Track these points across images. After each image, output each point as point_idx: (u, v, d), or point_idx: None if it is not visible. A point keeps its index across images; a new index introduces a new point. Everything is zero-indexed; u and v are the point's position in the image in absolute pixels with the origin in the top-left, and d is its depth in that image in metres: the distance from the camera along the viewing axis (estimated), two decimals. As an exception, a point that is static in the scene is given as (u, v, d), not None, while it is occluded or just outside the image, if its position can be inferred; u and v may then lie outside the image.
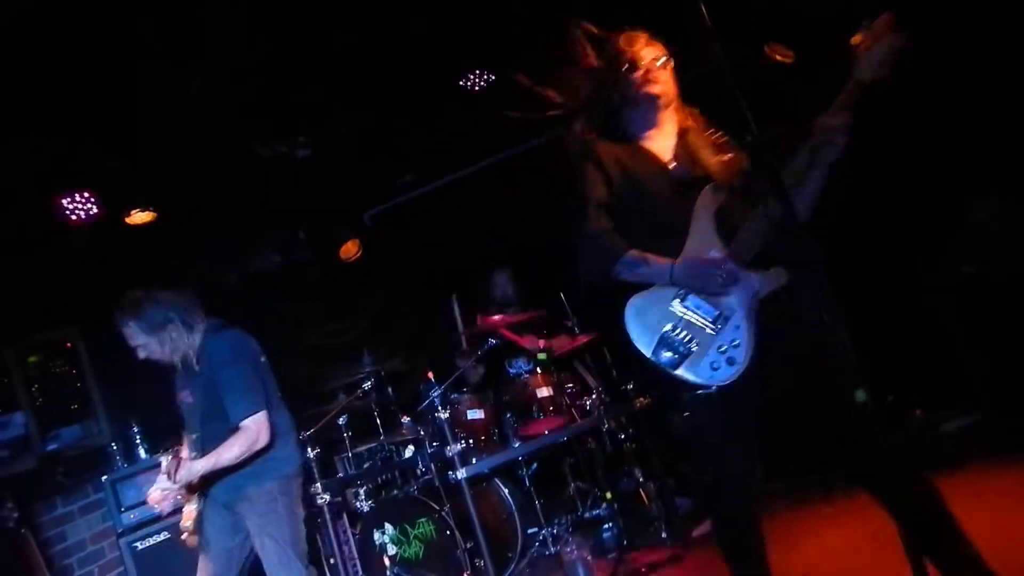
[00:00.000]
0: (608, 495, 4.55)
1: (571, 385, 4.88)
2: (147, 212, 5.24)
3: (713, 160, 2.57)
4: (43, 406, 5.17)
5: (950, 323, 4.80)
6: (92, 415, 5.31)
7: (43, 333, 5.35)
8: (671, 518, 4.54)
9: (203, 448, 3.38)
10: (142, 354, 3.49)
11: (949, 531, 2.33)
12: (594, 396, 4.73)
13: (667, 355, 2.44)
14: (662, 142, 2.66)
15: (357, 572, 4.54)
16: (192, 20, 4.31)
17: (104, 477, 4.68)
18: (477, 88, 5.56)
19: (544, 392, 4.63)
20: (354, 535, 4.46)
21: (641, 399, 4.60)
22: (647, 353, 2.46)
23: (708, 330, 2.44)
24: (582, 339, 4.91)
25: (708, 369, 2.41)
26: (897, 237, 5.01)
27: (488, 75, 5.44)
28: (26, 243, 5.15)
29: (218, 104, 5.02)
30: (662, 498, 4.62)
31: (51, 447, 5.09)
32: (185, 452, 3.46)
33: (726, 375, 2.40)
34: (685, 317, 2.46)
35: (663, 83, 2.64)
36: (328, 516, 4.36)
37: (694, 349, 2.43)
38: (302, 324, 6.13)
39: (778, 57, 4.94)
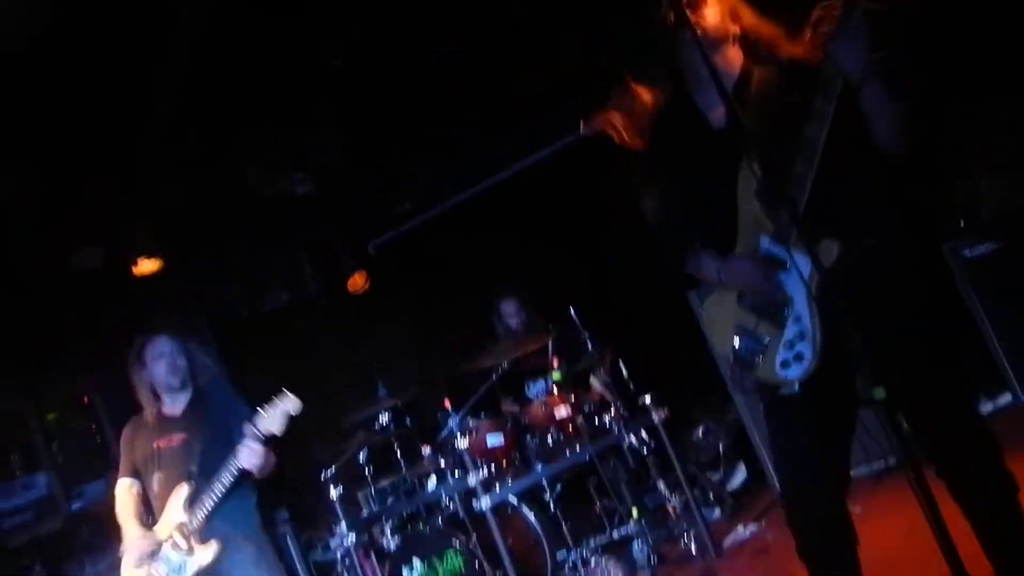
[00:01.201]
0: (635, 512, 4.51)
1: (589, 403, 4.86)
2: (153, 260, 5.26)
3: (769, 111, 2.30)
4: (65, 464, 5.17)
5: (969, 305, 4.72)
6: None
7: (59, 388, 5.36)
8: (700, 530, 4.50)
9: (208, 479, 3.40)
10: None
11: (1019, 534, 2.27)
12: (613, 412, 4.70)
13: (744, 356, 2.37)
14: (717, 105, 2.41)
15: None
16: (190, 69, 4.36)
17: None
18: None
19: (563, 412, 4.60)
20: (383, 573, 4.43)
21: (660, 410, 4.57)
22: (727, 353, 2.41)
23: (774, 326, 2.32)
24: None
25: (780, 368, 2.31)
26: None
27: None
28: (35, 295, 5.18)
29: (216, 146, 5.06)
30: (689, 510, 4.58)
31: (76, 506, 5.08)
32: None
33: (798, 372, 2.28)
34: (750, 316, 2.37)
35: (708, 17, 2.35)
36: (356, 558, 4.34)
37: (767, 347, 2.33)
38: (315, 358, 6.13)
39: None
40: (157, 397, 3.66)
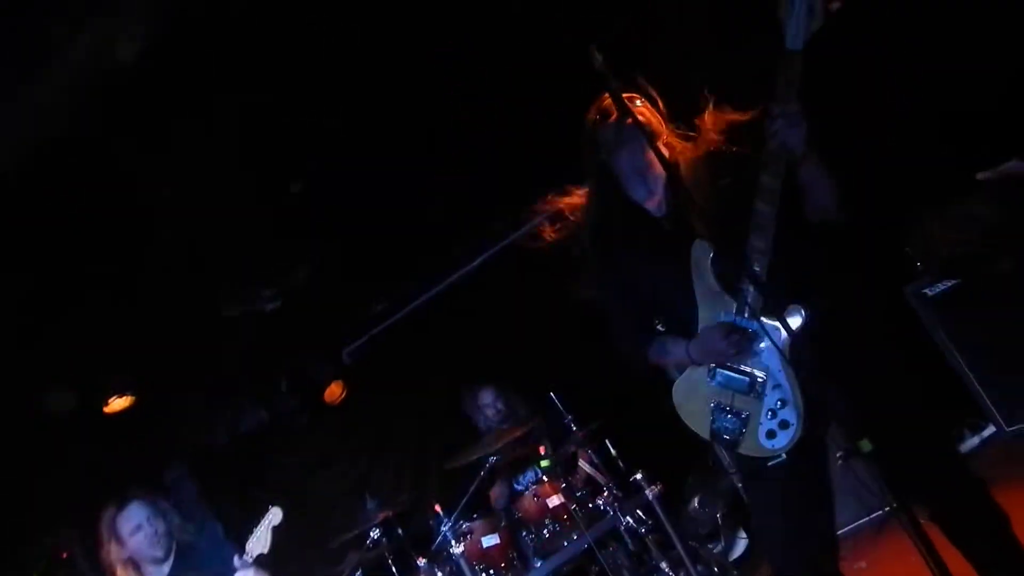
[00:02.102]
0: (640, 595, 4.42)
1: (581, 488, 4.80)
2: (125, 397, 5.19)
3: (704, 196, 2.40)
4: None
5: (937, 340, 4.77)
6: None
7: (39, 543, 5.19)
8: (709, 606, 4.42)
9: None
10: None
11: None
12: (606, 494, 4.65)
13: (724, 434, 2.36)
14: (653, 190, 2.55)
15: None
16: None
17: None
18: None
19: (555, 501, 4.54)
20: None
21: (653, 487, 4.52)
22: (706, 435, 2.40)
23: (751, 397, 2.33)
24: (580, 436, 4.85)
25: (765, 439, 2.31)
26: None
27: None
28: (4, 446, 5.06)
29: (177, 274, 5.06)
30: (694, 588, 4.49)
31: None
32: None
33: (785, 440, 2.29)
34: (724, 393, 2.37)
35: (641, 112, 2.49)
36: None
37: (747, 420, 2.33)
38: (298, 477, 6.03)
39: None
40: (139, 572, 3.47)
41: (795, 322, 2.26)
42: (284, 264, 5.73)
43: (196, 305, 5.36)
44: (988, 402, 4.57)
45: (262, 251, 5.46)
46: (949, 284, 4.73)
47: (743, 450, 2.38)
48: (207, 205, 4.69)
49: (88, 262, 4.54)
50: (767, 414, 2.32)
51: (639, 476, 4.58)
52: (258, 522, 3.43)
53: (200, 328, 5.54)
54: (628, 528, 4.62)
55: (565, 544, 4.36)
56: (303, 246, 5.72)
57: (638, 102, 2.54)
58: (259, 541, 3.37)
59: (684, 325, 2.44)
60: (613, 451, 4.96)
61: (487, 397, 5.43)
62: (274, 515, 3.42)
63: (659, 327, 2.59)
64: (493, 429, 5.26)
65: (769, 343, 2.29)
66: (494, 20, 4.32)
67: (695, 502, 5.49)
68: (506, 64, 4.58)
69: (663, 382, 2.51)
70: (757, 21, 2.33)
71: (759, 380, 2.33)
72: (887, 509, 4.06)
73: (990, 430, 4.68)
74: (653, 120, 2.54)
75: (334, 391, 6.28)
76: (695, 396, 2.44)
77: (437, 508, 4.39)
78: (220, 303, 5.37)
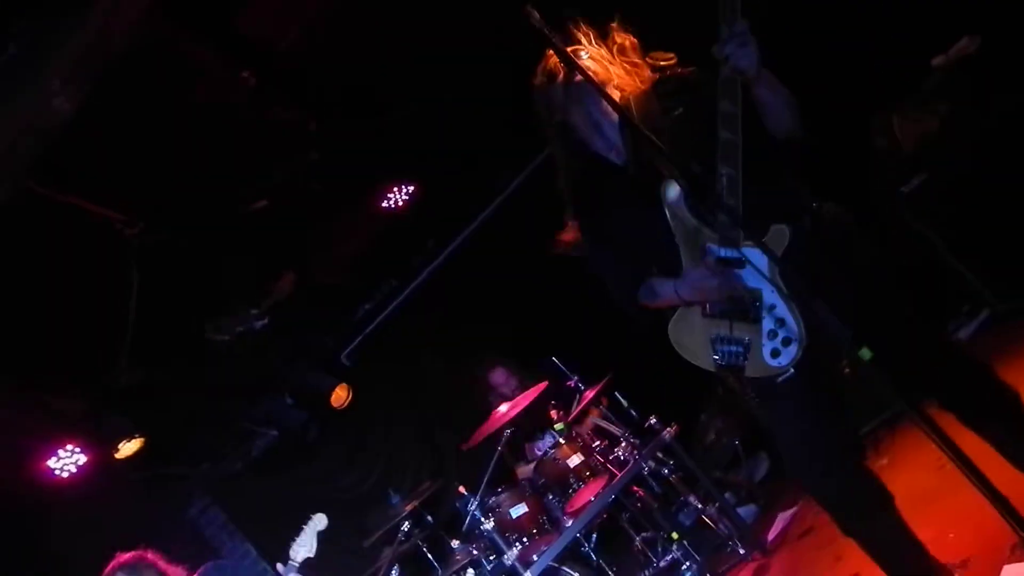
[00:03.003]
0: (674, 535, 4.47)
1: (598, 442, 4.84)
2: (135, 440, 5.17)
3: (660, 130, 2.34)
4: None
5: (921, 234, 4.80)
6: None
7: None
8: (742, 531, 4.48)
9: None
10: None
11: None
12: (623, 444, 4.69)
13: (729, 363, 2.37)
14: (613, 140, 2.53)
15: None
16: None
17: None
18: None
19: (576, 460, 4.59)
20: None
21: (669, 429, 4.56)
22: (711, 368, 2.41)
23: (749, 323, 2.34)
24: (589, 394, 4.89)
25: (771, 358, 2.33)
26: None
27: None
28: (22, 512, 5.05)
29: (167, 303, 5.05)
30: (726, 515, 4.55)
31: None
32: None
33: (790, 357, 2.31)
34: (721, 323, 2.37)
35: (587, 64, 2.44)
36: None
37: (749, 345, 2.35)
38: (320, 487, 6.05)
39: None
40: None
41: (778, 242, 2.27)
42: (266, 279, 5.73)
43: (183, 339, 5.36)
44: (977, 284, 4.62)
45: (240, 270, 5.46)
46: (920, 179, 4.76)
47: (750, 373, 2.38)
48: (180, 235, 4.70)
49: (71, 309, 4.54)
50: (768, 335, 2.33)
51: (653, 420, 4.62)
52: (301, 529, 3.43)
53: (192, 360, 5.54)
54: (651, 472, 4.68)
55: (592, 499, 4.40)
56: (281, 258, 5.73)
57: (583, 53, 2.51)
58: (304, 546, 3.38)
59: (671, 266, 2.44)
60: (624, 402, 4.99)
61: (499, 376, 5.46)
62: (318, 520, 3.45)
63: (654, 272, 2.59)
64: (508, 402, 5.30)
65: (753, 270, 2.27)
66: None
67: (712, 434, 5.55)
68: (445, 36, 4.59)
69: (660, 325, 2.53)
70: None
71: (754, 305, 2.33)
72: (897, 408, 4.14)
73: (984, 314, 4.73)
74: (600, 68, 2.50)
75: (340, 395, 6.28)
76: (692, 333, 2.44)
77: (462, 490, 4.42)
78: (210, 333, 5.35)
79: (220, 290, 5.30)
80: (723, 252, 2.30)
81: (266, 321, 5.64)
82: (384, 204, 6.15)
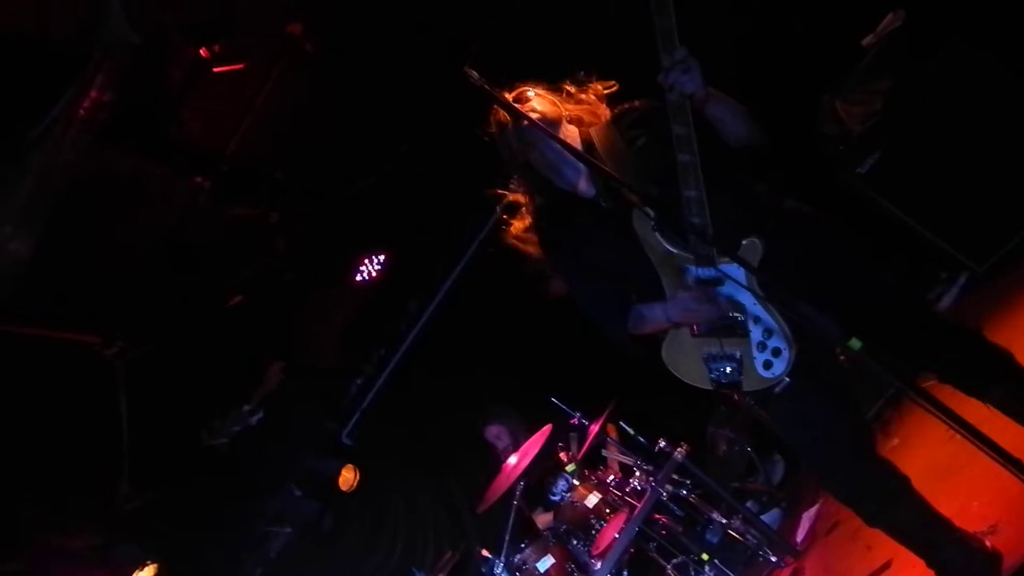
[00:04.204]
0: (704, 556, 4.42)
1: (612, 476, 4.80)
2: (148, 567, 5.08)
3: (625, 161, 2.46)
4: None
5: (888, 210, 4.83)
6: None
7: None
8: (770, 539, 4.44)
9: None
10: None
11: None
12: (638, 473, 4.65)
13: (724, 380, 2.39)
14: (576, 175, 2.58)
15: None
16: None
17: None
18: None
19: (593, 499, 4.54)
20: None
21: (680, 448, 4.53)
22: (709, 387, 2.43)
23: (738, 338, 2.37)
24: (594, 428, 4.86)
25: (764, 370, 2.35)
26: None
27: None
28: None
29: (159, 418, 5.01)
30: (751, 525, 4.51)
31: None
32: None
33: (783, 366, 2.33)
34: (711, 341, 2.40)
35: (538, 105, 2.54)
36: None
37: (741, 360, 2.37)
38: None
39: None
40: None
41: (753, 254, 2.30)
42: (254, 373, 5.71)
43: (182, 452, 5.32)
44: (951, 249, 4.64)
45: (227, 369, 5.45)
46: (875, 156, 4.81)
47: (747, 387, 2.41)
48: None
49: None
50: (757, 347, 2.36)
51: (663, 443, 4.60)
52: None
53: (195, 471, 5.48)
54: (671, 496, 4.64)
55: (616, 536, 4.35)
56: (265, 349, 5.72)
57: (530, 93, 2.59)
58: None
59: (652, 292, 2.46)
60: (630, 430, 4.97)
61: (492, 433, 5.43)
62: None
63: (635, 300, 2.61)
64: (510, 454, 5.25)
65: (733, 285, 2.32)
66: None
67: (723, 446, 5.51)
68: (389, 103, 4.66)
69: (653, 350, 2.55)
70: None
71: (739, 320, 2.36)
72: (896, 390, 4.14)
73: (963, 277, 4.76)
74: (550, 108, 2.57)
75: (347, 477, 6.19)
76: (684, 354, 2.46)
77: (484, 553, 4.36)
78: (206, 440, 5.31)
79: (210, 394, 5.27)
80: (701, 272, 2.34)
81: (261, 415, 5.61)
82: (359, 278, 6.19)
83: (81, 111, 3.01)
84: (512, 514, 4.77)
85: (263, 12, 4.18)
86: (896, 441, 4.15)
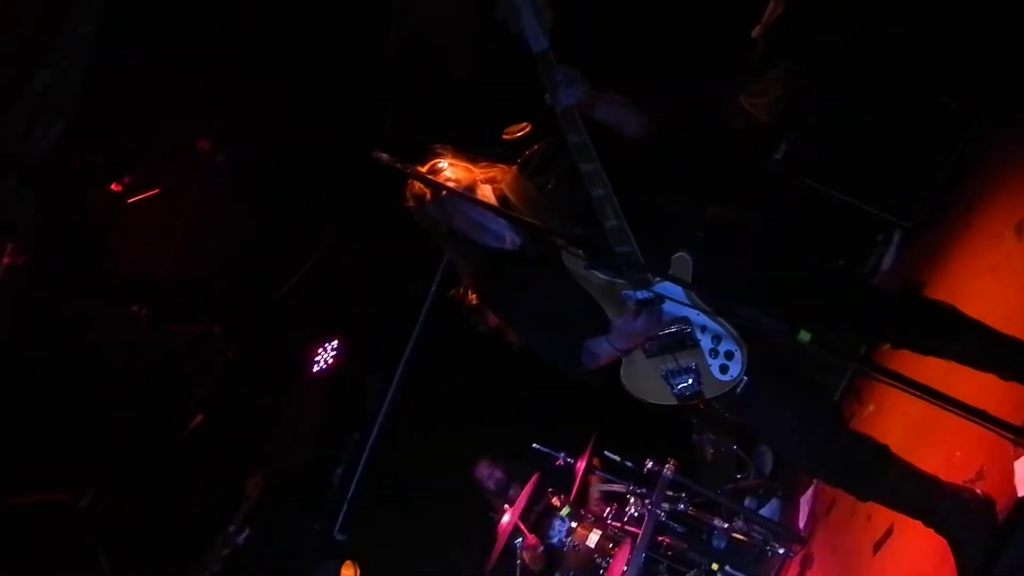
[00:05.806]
0: (714, 566, 4.40)
1: (608, 509, 4.77)
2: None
3: (541, 207, 2.50)
4: None
5: (812, 189, 4.91)
6: None
7: None
8: (775, 531, 4.44)
9: None
10: None
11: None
12: (632, 499, 4.64)
13: (688, 392, 2.43)
14: (500, 233, 2.62)
15: None
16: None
17: None
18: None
19: (594, 538, 4.50)
20: None
21: (668, 465, 4.53)
22: (674, 402, 2.46)
23: (689, 349, 2.40)
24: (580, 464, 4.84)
25: (721, 375, 2.39)
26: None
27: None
28: None
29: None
30: (753, 522, 4.52)
31: None
32: None
33: (739, 366, 2.37)
34: (665, 358, 2.43)
35: (453, 178, 2.58)
36: None
37: (699, 370, 2.41)
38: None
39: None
40: None
41: (684, 269, 2.34)
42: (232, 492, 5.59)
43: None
44: (881, 212, 4.76)
45: (202, 495, 5.34)
46: (789, 143, 4.92)
47: (710, 394, 2.45)
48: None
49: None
50: (710, 354, 2.39)
51: (651, 464, 4.59)
52: None
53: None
54: (669, 514, 4.62)
55: (624, 568, 4.32)
56: (238, 465, 5.61)
57: (441, 164, 2.62)
58: None
59: (600, 326, 2.48)
60: (616, 457, 4.95)
61: (483, 471, 5.38)
62: None
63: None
64: (503, 498, 5.21)
65: (671, 301, 2.35)
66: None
67: (710, 450, 5.52)
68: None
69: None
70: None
71: (686, 332, 2.39)
72: (852, 371, 4.21)
73: (897, 237, 4.88)
74: (464, 174, 2.62)
75: (350, 574, 6.07)
76: (643, 376, 2.49)
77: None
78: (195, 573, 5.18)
79: (191, 523, 5.15)
80: (639, 295, 2.37)
81: (248, 533, 5.48)
82: (316, 368, 6.14)
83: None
84: (518, 573, 4.73)
85: (171, 136, 4.20)
86: (872, 407, 4.19)
